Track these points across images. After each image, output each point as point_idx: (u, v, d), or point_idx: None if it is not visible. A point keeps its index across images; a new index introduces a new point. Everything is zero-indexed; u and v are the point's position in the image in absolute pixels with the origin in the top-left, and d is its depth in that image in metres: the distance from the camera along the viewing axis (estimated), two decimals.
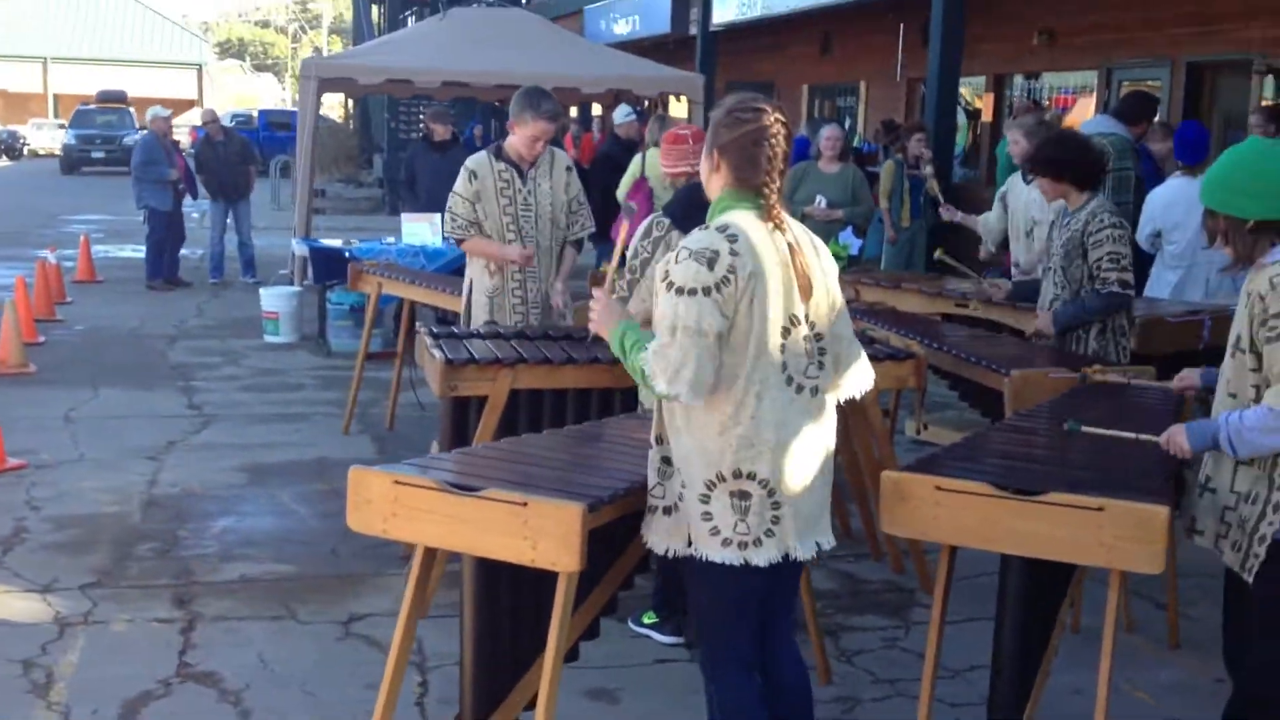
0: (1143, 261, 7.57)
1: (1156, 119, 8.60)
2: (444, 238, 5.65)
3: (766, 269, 2.95)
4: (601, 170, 10.49)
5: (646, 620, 4.61)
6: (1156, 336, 5.73)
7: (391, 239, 10.06)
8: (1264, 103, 9.84)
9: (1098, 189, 5.32)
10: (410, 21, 30.17)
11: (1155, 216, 7.28)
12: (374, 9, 34.26)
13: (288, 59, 79.74)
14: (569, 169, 5.69)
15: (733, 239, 2.94)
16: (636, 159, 8.72)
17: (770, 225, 3.02)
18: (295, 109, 16.58)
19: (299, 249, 10.76)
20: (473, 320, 5.62)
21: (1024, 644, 3.39)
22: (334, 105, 36.07)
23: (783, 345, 2.98)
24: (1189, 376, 3.85)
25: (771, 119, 3.02)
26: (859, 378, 3.20)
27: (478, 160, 5.55)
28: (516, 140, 5.47)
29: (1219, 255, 6.49)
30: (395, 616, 3.32)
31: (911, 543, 5.12)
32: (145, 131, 13.00)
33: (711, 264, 2.89)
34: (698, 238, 2.97)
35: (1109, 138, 7.66)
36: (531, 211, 5.52)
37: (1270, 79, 9.89)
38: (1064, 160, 5.24)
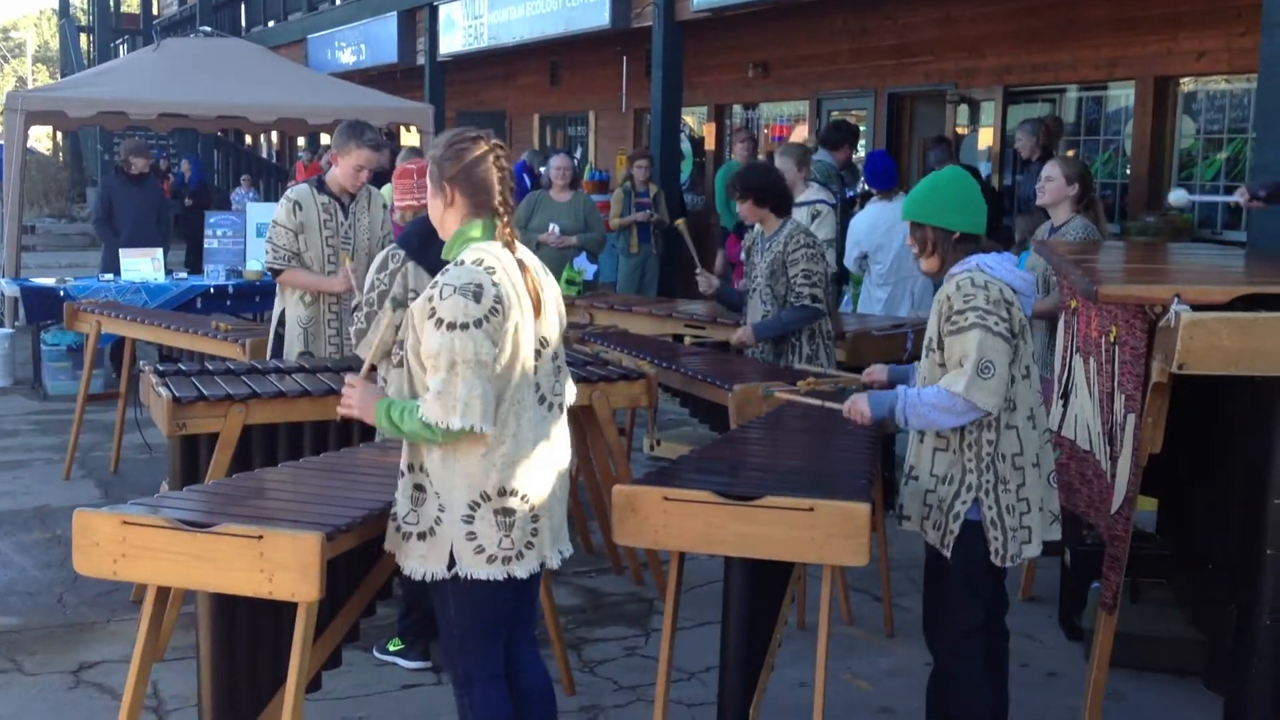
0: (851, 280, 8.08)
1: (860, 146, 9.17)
2: (265, 269, 5.58)
3: (519, 295, 3.06)
4: None
5: (392, 647, 4.63)
6: (864, 349, 6.16)
7: (110, 276, 9.67)
8: (960, 130, 10.66)
9: (790, 214, 5.72)
10: (122, 51, 28.95)
11: (860, 240, 7.78)
12: (83, 38, 32.67)
13: None
14: (384, 206, 5.77)
15: (490, 271, 3.03)
16: (386, 189, 8.67)
17: (504, 245, 3.12)
18: None
19: (9, 289, 10.18)
20: (285, 353, 5.55)
21: (748, 641, 3.60)
22: (41, 137, 34.12)
23: (535, 366, 3.11)
24: (876, 371, 4.16)
25: (489, 145, 3.15)
26: (572, 388, 3.35)
27: (300, 192, 5.55)
28: (340, 172, 5.52)
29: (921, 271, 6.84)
30: (128, 662, 3.25)
31: (650, 554, 5.33)
32: None
33: (478, 297, 2.97)
34: (458, 273, 3.02)
35: (816, 165, 8.15)
36: (351, 244, 5.57)
37: (965, 107, 10.70)
38: (768, 187, 5.63)
